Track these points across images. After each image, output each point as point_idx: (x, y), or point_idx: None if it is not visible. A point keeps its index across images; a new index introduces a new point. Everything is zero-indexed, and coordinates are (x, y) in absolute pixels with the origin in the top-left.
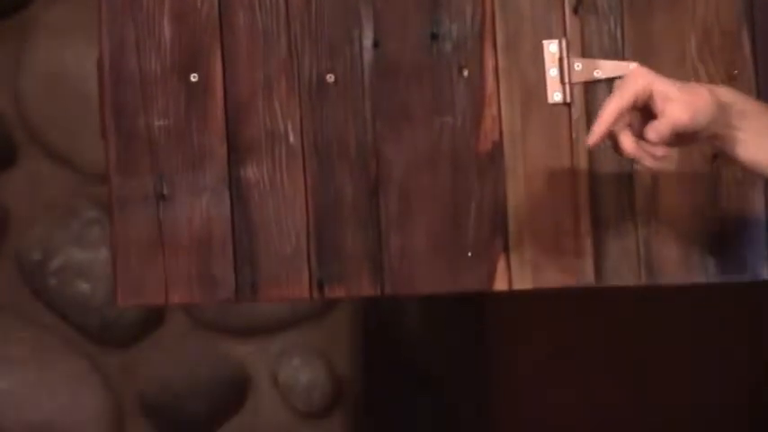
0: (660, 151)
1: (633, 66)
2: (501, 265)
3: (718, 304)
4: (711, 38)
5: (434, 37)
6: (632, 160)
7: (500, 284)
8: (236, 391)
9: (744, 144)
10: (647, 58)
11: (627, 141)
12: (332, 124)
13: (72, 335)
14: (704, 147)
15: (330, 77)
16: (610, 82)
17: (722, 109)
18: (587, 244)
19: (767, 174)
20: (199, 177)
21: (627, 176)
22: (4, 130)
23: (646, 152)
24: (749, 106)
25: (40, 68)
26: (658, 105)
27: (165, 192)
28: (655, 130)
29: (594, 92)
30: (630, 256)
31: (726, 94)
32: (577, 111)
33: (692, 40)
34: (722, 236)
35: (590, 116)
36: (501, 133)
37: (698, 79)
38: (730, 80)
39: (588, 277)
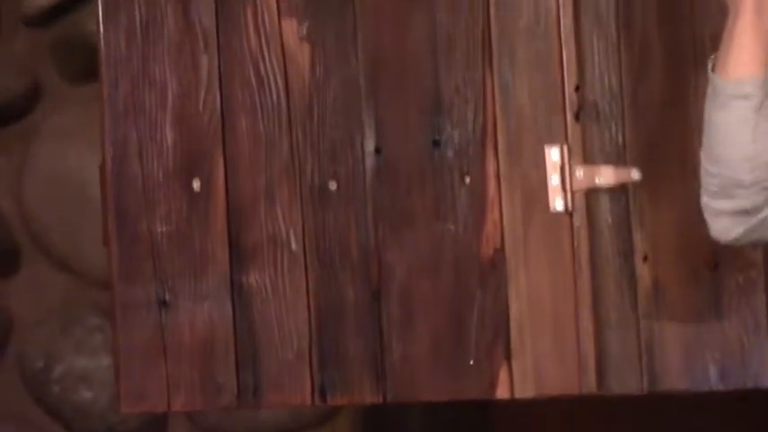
0: None
1: (635, 173)
2: (503, 372)
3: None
4: None
5: (436, 143)
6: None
7: (502, 393)
8: None
9: None
10: (649, 162)
11: None
12: (334, 229)
13: None
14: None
15: (332, 183)
16: (611, 189)
17: None
18: (589, 351)
19: None
20: (201, 283)
21: (629, 283)
22: (7, 234)
23: None
24: None
25: (43, 173)
26: None
27: (168, 298)
28: None
29: (596, 199)
30: (633, 363)
31: None
32: (579, 219)
33: (693, 141)
34: (724, 342)
35: (591, 225)
36: (503, 239)
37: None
38: None
39: (591, 385)
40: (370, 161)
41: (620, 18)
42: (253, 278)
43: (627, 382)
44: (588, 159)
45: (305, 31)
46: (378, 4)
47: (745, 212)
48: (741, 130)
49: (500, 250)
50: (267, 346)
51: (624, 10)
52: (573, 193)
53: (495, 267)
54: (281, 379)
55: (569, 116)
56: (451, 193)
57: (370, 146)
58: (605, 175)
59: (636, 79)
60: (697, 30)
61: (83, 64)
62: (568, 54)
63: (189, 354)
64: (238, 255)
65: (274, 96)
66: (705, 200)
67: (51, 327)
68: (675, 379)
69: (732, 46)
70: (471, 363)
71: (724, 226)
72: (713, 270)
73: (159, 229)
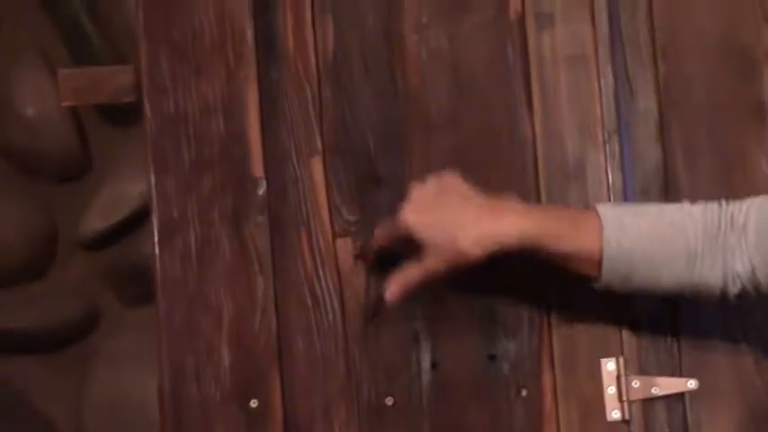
0: None
1: (692, 383)
2: None
3: None
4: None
5: (492, 357)
6: None
7: None
8: None
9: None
10: (703, 374)
11: None
12: None
13: None
14: None
15: (389, 400)
16: (668, 398)
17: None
18: None
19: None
20: None
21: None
22: None
23: None
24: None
25: (102, 396)
26: None
27: None
28: None
29: (653, 408)
30: None
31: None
32: (636, 428)
33: (744, 351)
34: None
35: None
36: None
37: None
38: None
39: None
40: (426, 377)
41: None
42: None
43: None
44: (644, 370)
45: (359, 249)
46: None
47: None
48: None
49: None
50: None
51: None
52: (630, 402)
53: None
54: None
55: (625, 329)
56: (508, 407)
57: (426, 362)
58: (662, 386)
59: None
60: None
61: (138, 287)
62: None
63: None
64: None
65: (330, 317)
66: None
67: None
68: None
69: None
70: None
71: None
72: None
73: None
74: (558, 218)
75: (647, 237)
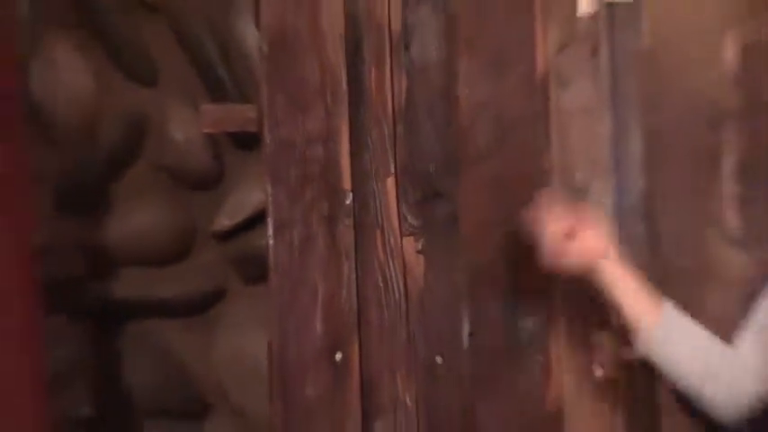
0: None
1: None
2: None
3: None
4: None
5: (515, 331)
6: None
7: None
8: None
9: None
10: None
11: None
12: (440, 395)
13: None
14: None
15: (438, 359)
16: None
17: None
18: None
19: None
20: None
21: None
22: (199, 392)
23: None
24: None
25: (226, 353)
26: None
27: None
28: None
29: (625, 368)
30: None
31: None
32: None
33: None
34: None
35: None
36: (562, 397)
37: None
38: None
39: None
40: (465, 342)
41: None
42: (380, 423)
43: None
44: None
45: (420, 246)
46: (478, 231)
47: None
48: None
49: (560, 402)
50: None
51: None
52: (609, 364)
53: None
54: None
55: (608, 316)
56: (526, 367)
57: (466, 331)
58: (627, 353)
59: None
60: None
61: (255, 270)
62: None
63: None
64: (368, 411)
65: (396, 296)
66: None
67: None
68: None
69: None
70: None
71: None
72: None
73: (311, 392)
74: (638, 289)
75: (681, 356)
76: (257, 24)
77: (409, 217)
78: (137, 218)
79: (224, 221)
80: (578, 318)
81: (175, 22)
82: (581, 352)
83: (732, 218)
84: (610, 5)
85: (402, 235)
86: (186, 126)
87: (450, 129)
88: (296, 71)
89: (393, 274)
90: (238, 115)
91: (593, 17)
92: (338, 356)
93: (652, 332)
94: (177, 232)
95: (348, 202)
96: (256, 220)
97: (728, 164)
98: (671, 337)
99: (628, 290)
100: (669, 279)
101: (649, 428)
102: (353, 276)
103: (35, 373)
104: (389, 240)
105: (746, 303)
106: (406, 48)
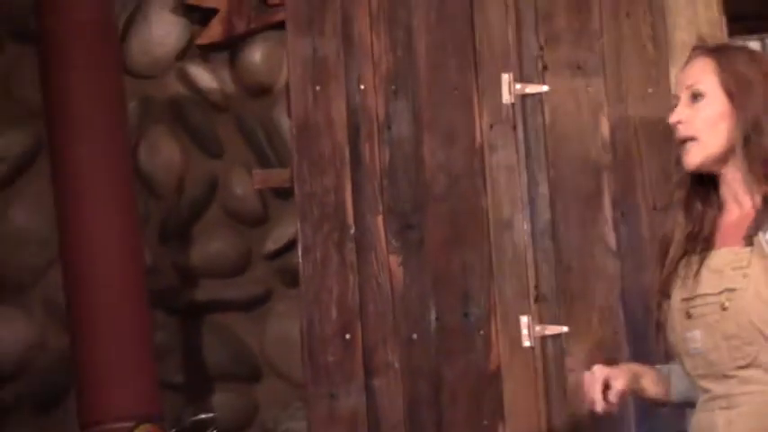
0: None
1: (565, 329)
2: None
3: None
4: None
5: (466, 315)
6: None
7: None
8: None
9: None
10: (571, 324)
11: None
12: (416, 361)
13: None
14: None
15: (414, 336)
16: (553, 336)
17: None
18: None
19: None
20: (351, 382)
21: None
22: (255, 361)
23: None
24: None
25: (275, 336)
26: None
27: (333, 392)
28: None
29: (546, 342)
30: None
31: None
32: (537, 351)
33: None
34: None
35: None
36: (499, 361)
37: None
38: None
39: None
40: (433, 324)
41: None
42: (376, 380)
43: None
44: (542, 322)
45: (400, 261)
46: (439, 249)
47: None
48: None
49: (498, 364)
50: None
51: None
52: (534, 337)
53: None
54: None
55: (532, 301)
56: (473, 341)
57: (433, 315)
58: (550, 330)
59: None
60: None
61: (292, 278)
62: None
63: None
64: (368, 368)
65: (385, 294)
66: None
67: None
68: None
69: None
70: None
71: None
72: None
73: (329, 359)
74: (656, 380)
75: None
76: (289, 115)
77: (393, 241)
78: (211, 245)
79: (270, 246)
80: (513, 306)
81: (236, 116)
82: (513, 329)
83: (611, 237)
84: (524, 97)
85: (388, 253)
86: (243, 184)
87: (418, 182)
88: (315, 147)
89: (383, 280)
90: (278, 176)
91: (513, 105)
92: (347, 336)
93: (670, 391)
94: (239, 254)
95: (352, 232)
96: (291, 245)
97: (607, 201)
98: (672, 380)
99: (649, 383)
100: (569, 279)
101: (558, 382)
102: (356, 282)
103: (146, 351)
104: (380, 258)
105: (620, 295)
106: (388, 128)
